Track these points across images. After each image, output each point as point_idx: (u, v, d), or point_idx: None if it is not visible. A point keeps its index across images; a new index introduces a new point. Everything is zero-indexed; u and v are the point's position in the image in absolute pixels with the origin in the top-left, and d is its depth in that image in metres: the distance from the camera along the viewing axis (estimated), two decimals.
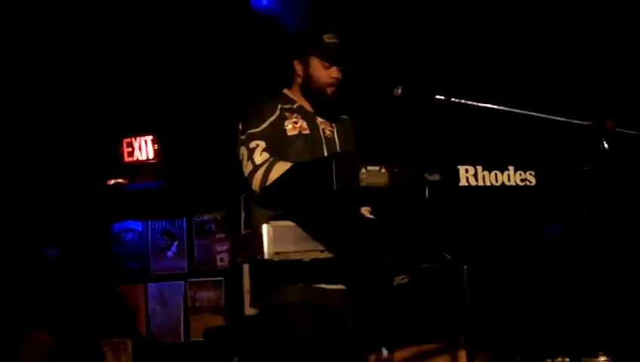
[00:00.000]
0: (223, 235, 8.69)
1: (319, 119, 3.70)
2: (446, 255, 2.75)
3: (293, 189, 2.72)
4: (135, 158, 8.74)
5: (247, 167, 3.48)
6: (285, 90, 3.77)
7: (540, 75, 6.30)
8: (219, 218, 8.74)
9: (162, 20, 7.46)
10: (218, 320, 8.48)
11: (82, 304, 8.44)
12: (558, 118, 3.04)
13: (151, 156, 8.71)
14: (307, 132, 3.64)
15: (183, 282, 8.79)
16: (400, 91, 3.19)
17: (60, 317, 8.15)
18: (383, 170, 2.45)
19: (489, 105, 3.09)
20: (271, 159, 3.44)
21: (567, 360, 4.47)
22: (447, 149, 2.58)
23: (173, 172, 8.65)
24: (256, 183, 3.42)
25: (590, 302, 5.27)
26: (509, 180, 2.58)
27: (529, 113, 3.07)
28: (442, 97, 3.10)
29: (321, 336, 3.52)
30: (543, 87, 6.11)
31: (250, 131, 3.54)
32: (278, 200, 2.91)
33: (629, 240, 5.13)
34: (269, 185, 3.29)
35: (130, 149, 8.75)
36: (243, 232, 3.60)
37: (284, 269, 3.07)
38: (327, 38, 3.64)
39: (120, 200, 8.88)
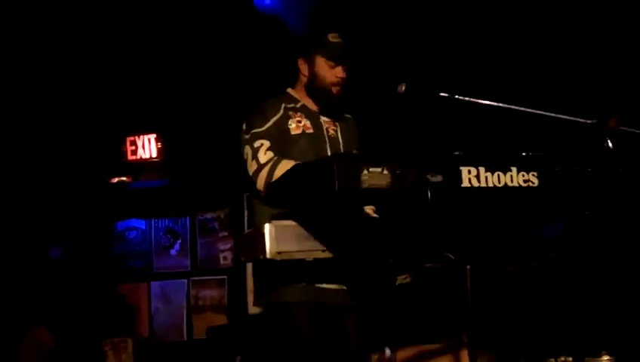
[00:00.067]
0: (226, 234, 8.69)
1: (323, 118, 3.70)
2: (449, 255, 2.75)
3: (295, 189, 2.72)
4: (138, 157, 8.73)
5: (252, 166, 3.48)
6: (289, 90, 3.77)
7: (543, 73, 6.29)
8: (222, 216, 8.74)
9: (166, 19, 7.46)
10: (221, 319, 8.49)
11: (84, 303, 8.44)
12: (562, 116, 3.03)
13: (154, 154, 8.70)
14: (311, 131, 3.64)
15: (185, 280, 8.79)
16: (404, 88, 3.18)
17: (60, 315, 8.15)
18: (385, 172, 2.44)
19: (493, 103, 3.08)
20: (275, 158, 3.45)
21: (570, 359, 4.47)
22: (449, 150, 2.57)
23: (177, 170, 8.65)
24: (260, 182, 3.43)
25: (593, 302, 5.27)
26: (511, 181, 2.58)
27: (533, 111, 3.06)
28: (446, 94, 3.09)
29: (323, 336, 3.52)
30: (546, 85, 6.10)
31: (254, 130, 3.55)
32: (281, 199, 2.91)
33: (632, 240, 5.13)
34: (273, 182, 3.29)
35: (133, 148, 8.74)
36: (246, 231, 3.60)
37: (286, 268, 3.07)
38: (332, 38, 3.65)
39: (123, 198, 8.87)
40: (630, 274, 5.32)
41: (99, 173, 8.69)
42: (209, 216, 8.81)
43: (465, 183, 2.52)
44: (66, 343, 7.67)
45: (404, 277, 3.32)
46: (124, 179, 8.75)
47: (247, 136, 3.56)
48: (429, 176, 2.46)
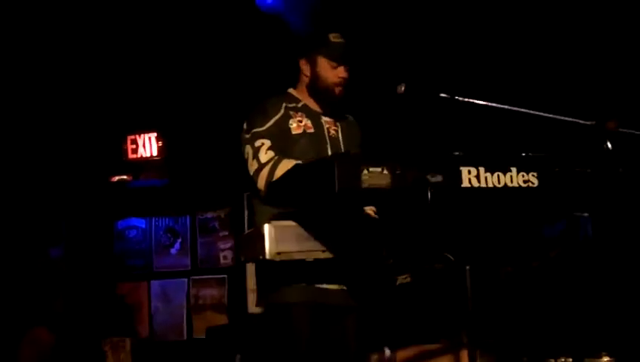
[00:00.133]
0: (226, 233, 8.70)
1: (324, 118, 3.70)
2: (448, 255, 2.74)
3: (295, 189, 2.72)
4: (139, 155, 8.73)
5: (253, 166, 3.48)
6: (290, 90, 3.78)
7: (543, 74, 6.29)
8: (222, 216, 8.74)
9: (167, 18, 7.45)
10: (221, 318, 8.49)
11: (84, 302, 8.44)
12: (562, 118, 3.03)
13: (155, 153, 8.70)
14: (312, 131, 3.64)
15: (186, 279, 8.79)
16: (403, 89, 3.18)
17: (60, 315, 8.15)
18: (385, 172, 2.44)
19: (492, 104, 3.08)
20: (276, 157, 3.45)
21: (570, 360, 4.47)
22: (449, 150, 2.57)
23: (177, 169, 8.65)
24: (261, 182, 3.43)
25: (593, 303, 5.26)
26: (511, 181, 2.57)
27: (532, 112, 3.06)
28: (446, 95, 3.09)
29: (323, 336, 3.52)
30: (546, 86, 6.10)
31: (255, 130, 3.55)
32: (281, 199, 2.91)
33: (631, 240, 5.13)
34: (273, 182, 3.29)
35: (134, 146, 8.74)
36: (246, 231, 3.60)
37: (286, 269, 3.07)
38: (333, 38, 3.65)
39: (124, 197, 8.87)
40: (630, 275, 5.32)
41: (99, 172, 8.69)
42: (209, 215, 8.81)
43: (465, 183, 2.52)
44: (66, 343, 7.66)
45: (404, 277, 3.32)
46: (124, 177, 8.74)
47: (247, 136, 3.56)
48: (429, 177, 2.46)
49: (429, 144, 6.00)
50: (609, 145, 2.88)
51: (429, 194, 2.44)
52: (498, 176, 2.56)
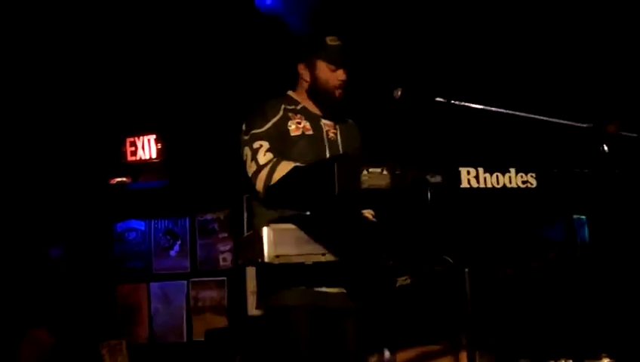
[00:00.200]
0: (225, 235, 8.68)
1: (324, 121, 3.71)
2: (447, 258, 2.74)
3: (294, 190, 2.71)
4: (138, 157, 8.73)
5: (251, 168, 3.48)
6: (290, 92, 3.78)
7: (539, 77, 6.30)
8: (222, 217, 8.73)
9: (166, 20, 7.45)
10: (221, 320, 8.48)
11: (83, 304, 8.43)
12: (558, 121, 3.03)
13: (154, 155, 8.70)
14: (310, 133, 3.64)
15: (185, 282, 8.79)
16: (400, 93, 3.19)
17: (60, 316, 8.14)
18: (384, 172, 2.43)
19: (489, 108, 3.08)
20: (275, 159, 3.44)
21: (571, 361, 4.47)
22: (448, 151, 2.57)
23: (176, 171, 8.64)
24: (259, 184, 3.43)
25: (593, 304, 5.26)
26: (510, 182, 2.57)
27: (529, 116, 3.06)
28: (443, 100, 3.09)
29: (323, 339, 3.52)
30: (543, 89, 6.10)
31: (253, 131, 3.55)
32: (281, 201, 2.90)
33: (630, 241, 5.13)
34: (272, 185, 3.28)
35: (133, 148, 8.74)
36: (246, 233, 3.59)
37: (286, 272, 3.06)
38: (331, 41, 3.66)
39: (123, 199, 8.87)
40: (629, 276, 5.32)
41: (98, 174, 8.69)
42: (209, 217, 8.80)
43: (464, 184, 2.52)
44: (65, 344, 7.66)
45: (404, 278, 3.32)
46: (123, 179, 8.74)
47: (246, 137, 3.56)
48: (428, 177, 2.45)
49: (427, 146, 6.00)
50: (605, 149, 2.88)
51: (429, 194, 2.43)
52: (497, 176, 2.56)
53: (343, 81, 3.66)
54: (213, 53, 7.71)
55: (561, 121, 3.01)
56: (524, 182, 2.58)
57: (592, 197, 2.77)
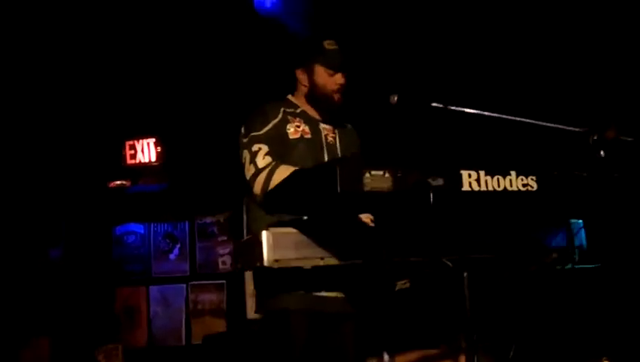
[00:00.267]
0: (225, 238, 8.69)
1: (323, 125, 3.70)
2: (446, 262, 2.73)
3: (295, 194, 2.70)
4: (138, 161, 8.72)
5: (249, 170, 3.48)
6: (289, 96, 3.78)
7: (536, 81, 6.30)
8: (221, 220, 8.73)
9: (166, 23, 7.45)
10: (220, 323, 8.47)
11: (82, 307, 8.42)
12: (553, 125, 3.03)
13: (153, 159, 8.69)
14: (309, 136, 3.64)
15: (184, 285, 8.78)
16: (396, 99, 3.19)
17: (59, 319, 8.14)
18: (386, 175, 2.42)
19: (485, 113, 3.08)
20: (273, 163, 3.44)
21: None
22: (449, 154, 2.57)
23: (176, 174, 8.64)
24: (257, 187, 3.42)
25: (593, 307, 5.25)
26: (511, 185, 2.56)
27: (523, 120, 3.06)
28: (439, 105, 3.09)
29: (321, 343, 3.51)
30: (540, 93, 6.10)
31: (252, 134, 3.54)
32: (280, 205, 2.89)
33: (630, 244, 5.12)
34: (272, 189, 3.27)
35: (132, 152, 8.74)
36: (245, 237, 3.57)
37: (284, 276, 3.05)
38: (328, 45, 3.66)
39: (122, 202, 8.86)
40: (629, 279, 5.31)
41: (98, 177, 8.68)
42: (208, 220, 8.80)
43: (465, 187, 2.51)
44: (63, 348, 7.67)
45: (403, 282, 3.31)
46: (123, 183, 8.73)
47: (245, 140, 3.55)
48: (430, 180, 2.44)
49: (429, 149, 6.00)
50: (602, 154, 2.87)
51: (431, 197, 2.42)
52: (498, 179, 2.55)
53: (341, 85, 3.65)
54: (213, 57, 7.70)
55: (556, 126, 3.01)
56: (524, 185, 2.58)
57: (591, 201, 2.77)
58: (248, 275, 7.71)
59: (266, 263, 2.66)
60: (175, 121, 8.40)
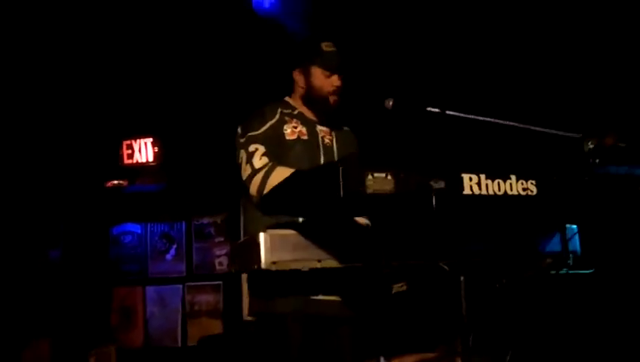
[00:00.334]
0: (222, 239, 8.68)
1: (320, 127, 3.70)
2: (443, 265, 2.72)
3: (294, 196, 2.67)
4: (135, 161, 8.72)
5: (246, 171, 3.46)
6: (287, 98, 3.77)
7: (534, 85, 6.30)
8: (218, 221, 8.72)
9: (163, 23, 7.44)
10: (216, 325, 8.46)
11: (79, 307, 8.41)
12: (548, 130, 3.02)
13: (151, 158, 8.69)
14: (305, 138, 3.63)
15: (181, 286, 8.76)
16: (392, 103, 3.19)
17: (57, 319, 8.13)
18: (389, 177, 2.41)
19: (480, 118, 3.07)
20: (270, 164, 3.42)
21: None
22: (450, 157, 2.56)
23: (173, 174, 8.63)
24: (253, 188, 3.40)
25: (588, 312, 5.26)
26: (511, 189, 2.55)
27: (518, 125, 3.05)
28: (436, 110, 3.08)
29: (317, 347, 3.49)
30: (537, 98, 6.11)
31: (249, 134, 3.53)
32: (278, 207, 2.86)
33: (626, 249, 5.12)
34: (270, 190, 3.25)
35: (130, 151, 8.74)
36: (242, 239, 3.55)
37: (280, 278, 3.03)
38: (326, 47, 3.65)
39: (119, 202, 8.85)
40: (626, 283, 5.31)
41: (95, 177, 8.68)
42: (205, 220, 8.79)
43: (466, 190, 2.50)
44: (62, 350, 7.67)
45: (399, 285, 3.30)
46: (120, 182, 8.72)
47: (242, 140, 3.54)
48: (432, 183, 2.43)
49: (428, 154, 6.00)
50: (596, 161, 2.87)
51: (434, 200, 2.41)
52: (498, 183, 2.54)
53: (337, 87, 3.65)
54: (211, 57, 7.70)
55: (551, 131, 3.00)
56: (524, 190, 2.56)
57: (588, 206, 2.76)
58: (245, 276, 7.70)
59: (263, 265, 2.65)
60: (173, 121, 8.40)
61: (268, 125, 3.57)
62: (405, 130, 5.97)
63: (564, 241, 2.96)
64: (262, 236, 2.66)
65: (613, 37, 5.99)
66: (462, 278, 2.70)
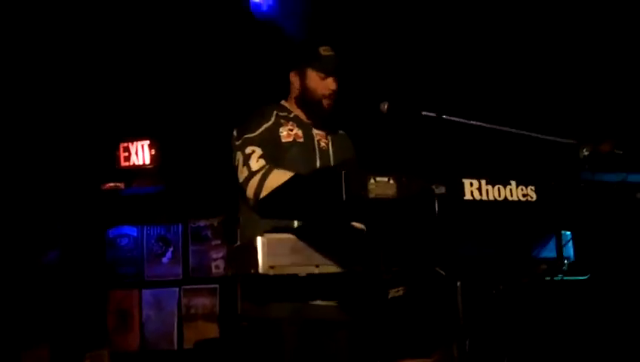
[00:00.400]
0: (218, 242, 8.65)
1: (315, 130, 3.69)
2: (439, 270, 2.71)
3: (294, 199, 2.65)
4: (131, 163, 8.71)
5: (243, 173, 3.45)
6: (282, 101, 3.77)
7: (528, 91, 6.30)
8: (215, 224, 8.70)
9: (160, 26, 7.44)
10: (212, 328, 8.44)
11: (75, 310, 8.39)
12: (542, 136, 3.01)
13: (147, 161, 8.67)
14: (301, 140, 3.62)
15: (177, 289, 8.74)
16: (386, 107, 3.18)
17: (53, 322, 8.12)
18: (391, 181, 2.39)
19: (476, 123, 3.06)
20: (267, 166, 3.41)
21: None
22: (449, 162, 2.55)
23: (170, 177, 8.62)
24: (250, 190, 3.39)
25: (584, 318, 5.26)
26: (511, 195, 2.54)
27: (514, 131, 3.05)
28: (430, 114, 3.08)
29: (314, 352, 3.47)
30: (532, 104, 6.11)
31: (246, 136, 3.52)
32: (276, 210, 2.85)
33: (623, 256, 5.12)
34: (268, 194, 3.23)
35: (126, 154, 8.72)
36: (239, 242, 3.53)
37: (276, 283, 3.01)
38: (324, 51, 3.65)
39: (116, 204, 8.83)
40: (623, 289, 5.31)
41: (92, 179, 8.66)
42: (202, 223, 8.77)
43: (467, 196, 2.48)
44: (61, 353, 7.66)
45: (396, 290, 3.29)
46: (117, 185, 8.70)
47: (238, 142, 3.53)
48: (433, 187, 2.42)
49: (430, 157, 5.99)
50: (588, 168, 2.86)
51: (437, 205, 2.40)
52: (499, 189, 2.53)
53: (332, 91, 3.64)
54: (208, 60, 7.69)
55: (544, 137, 3.00)
56: (524, 195, 2.55)
57: (582, 213, 2.75)
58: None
59: (261, 270, 2.63)
60: (170, 124, 8.39)
61: (264, 127, 3.56)
62: (401, 134, 5.97)
63: (560, 247, 2.95)
64: (259, 240, 2.64)
65: (610, 44, 5.99)
66: (458, 283, 2.69)
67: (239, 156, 3.49)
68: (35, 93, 7.87)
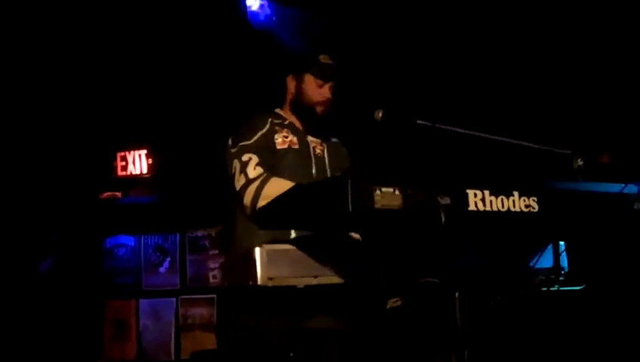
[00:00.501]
0: (216, 252, 8.63)
1: (310, 138, 3.68)
2: (436, 281, 2.70)
3: (295, 210, 2.62)
4: (129, 172, 8.69)
5: (240, 181, 3.43)
6: (277, 109, 3.76)
7: (524, 101, 6.30)
8: (213, 234, 8.68)
9: (157, 35, 7.43)
10: (210, 338, 8.41)
11: (72, 320, 8.36)
12: (537, 146, 3.01)
13: (145, 170, 8.66)
14: (297, 147, 3.62)
15: (174, 299, 8.72)
16: (381, 115, 3.18)
17: (49, 332, 8.09)
18: (396, 192, 2.37)
19: (472, 132, 3.06)
20: (265, 174, 3.40)
21: None
22: (452, 172, 2.54)
23: (167, 186, 8.60)
24: (247, 198, 3.36)
25: (581, 328, 5.25)
26: (514, 206, 2.52)
27: (508, 140, 3.04)
28: (425, 122, 3.07)
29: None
30: (527, 113, 6.11)
31: (242, 143, 3.51)
32: (276, 220, 2.81)
33: (621, 265, 5.11)
34: (267, 204, 3.21)
35: (123, 163, 8.71)
36: (233, 252, 3.51)
37: (273, 293, 2.98)
38: (323, 59, 3.65)
39: (113, 214, 8.81)
40: (622, 299, 5.30)
41: (88, 189, 8.64)
42: (200, 233, 8.74)
43: (471, 207, 2.47)
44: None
45: (394, 300, 3.27)
46: (114, 194, 8.68)
47: (234, 150, 3.52)
48: (438, 198, 2.40)
49: (433, 167, 5.99)
50: (582, 177, 2.86)
51: (443, 216, 2.38)
52: (502, 199, 2.51)
53: (327, 98, 3.65)
54: (205, 69, 7.68)
55: (539, 147, 3.00)
56: (526, 206, 2.54)
57: (579, 223, 2.75)
58: None
59: (259, 281, 2.60)
60: (167, 133, 8.38)
61: (259, 134, 3.56)
62: (395, 142, 5.96)
63: (557, 258, 2.94)
64: (257, 251, 2.62)
65: (608, 53, 6.00)
66: (457, 294, 2.68)
67: (236, 164, 3.48)
68: (32, 101, 7.86)
